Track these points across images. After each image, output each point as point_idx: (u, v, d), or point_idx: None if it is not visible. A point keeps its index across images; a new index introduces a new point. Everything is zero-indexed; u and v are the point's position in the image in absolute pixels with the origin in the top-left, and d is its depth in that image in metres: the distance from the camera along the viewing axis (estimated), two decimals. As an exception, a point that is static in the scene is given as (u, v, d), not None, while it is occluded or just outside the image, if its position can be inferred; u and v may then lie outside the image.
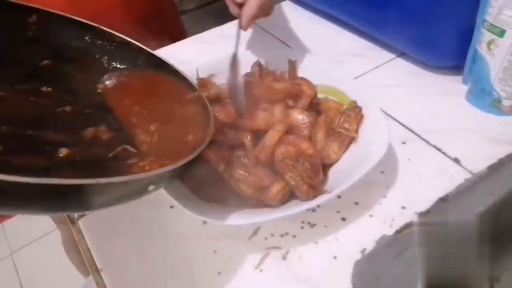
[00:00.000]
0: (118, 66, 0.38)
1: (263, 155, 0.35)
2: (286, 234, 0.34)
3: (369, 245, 0.32)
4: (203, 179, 0.34)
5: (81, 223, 0.37)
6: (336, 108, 0.39)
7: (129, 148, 0.29)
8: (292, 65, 0.44)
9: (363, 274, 0.31)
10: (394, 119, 0.43)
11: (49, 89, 0.32)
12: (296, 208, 0.30)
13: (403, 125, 0.42)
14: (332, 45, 0.55)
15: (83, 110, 0.32)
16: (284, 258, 0.32)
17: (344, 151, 0.36)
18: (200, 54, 0.56)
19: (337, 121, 0.38)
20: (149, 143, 0.31)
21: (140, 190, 0.26)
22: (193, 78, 0.39)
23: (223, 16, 0.63)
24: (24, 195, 0.20)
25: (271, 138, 0.36)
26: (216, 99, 0.40)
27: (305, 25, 0.60)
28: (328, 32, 0.59)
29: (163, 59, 0.38)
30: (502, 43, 0.38)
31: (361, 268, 0.31)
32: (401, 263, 0.32)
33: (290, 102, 0.39)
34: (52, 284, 1.13)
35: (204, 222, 0.35)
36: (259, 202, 0.33)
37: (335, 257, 0.32)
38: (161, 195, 0.31)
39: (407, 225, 0.33)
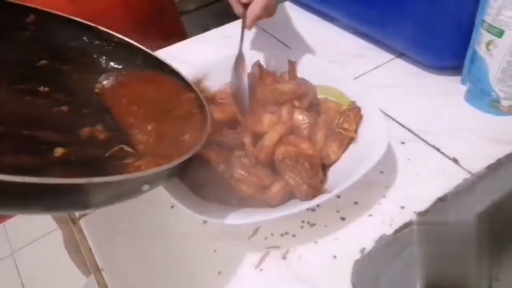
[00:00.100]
0: (116, 66, 0.38)
1: (263, 155, 0.35)
2: (286, 233, 0.34)
3: (369, 245, 0.32)
4: (203, 179, 0.34)
5: (82, 222, 0.37)
6: (335, 109, 0.39)
7: (126, 147, 0.29)
8: (292, 66, 0.44)
9: (362, 274, 0.31)
10: (393, 119, 0.43)
11: (46, 89, 0.32)
12: (296, 207, 0.31)
13: (402, 125, 0.42)
14: (332, 46, 0.55)
15: (80, 110, 0.32)
16: (284, 257, 0.32)
17: (343, 151, 0.36)
18: (201, 55, 0.56)
19: (336, 121, 0.38)
20: (146, 143, 0.31)
21: (134, 190, 0.26)
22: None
23: (223, 17, 0.64)
24: (15, 195, 0.20)
25: (270, 138, 0.36)
26: (211, 100, 0.41)
27: (305, 25, 0.60)
28: (327, 32, 0.59)
29: (161, 59, 0.38)
30: (501, 44, 0.38)
31: (360, 267, 0.31)
32: (400, 262, 0.32)
33: (296, 103, 0.40)
34: (53, 283, 1.14)
35: (204, 222, 0.35)
36: (259, 202, 0.33)
37: (334, 257, 0.32)
38: (162, 195, 0.31)
39: (406, 225, 0.33)
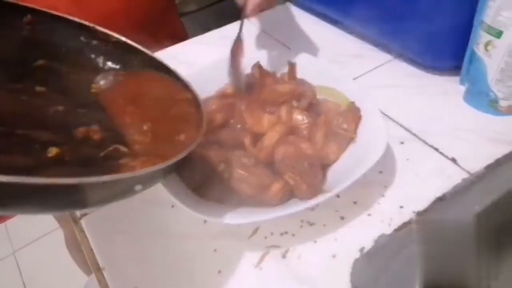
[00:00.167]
0: (113, 66, 0.38)
1: (263, 155, 0.36)
2: (286, 233, 0.34)
3: (368, 244, 0.32)
4: (204, 179, 0.34)
5: (83, 222, 0.37)
6: (335, 109, 0.40)
7: (121, 147, 0.29)
8: (292, 66, 0.44)
9: (361, 273, 0.31)
10: (392, 119, 0.43)
11: (43, 88, 0.32)
12: (296, 207, 0.31)
13: (402, 126, 0.43)
14: (331, 46, 0.55)
15: (76, 109, 0.32)
16: (284, 257, 0.33)
17: (343, 151, 0.37)
18: (201, 56, 0.56)
19: (336, 121, 0.38)
20: (141, 143, 0.31)
21: (126, 190, 0.26)
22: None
23: (224, 18, 0.64)
24: (4, 195, 0.19)
25: (270, 138, 0.36)
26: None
27: (305, 26, 0.61)
28: (327, 33, 0.59)
29: (158, 59, 0.38)
30: (499, 44, 0.39)
31: (359, 267, 0.31)
32: (400, 261, 0.32)
33: (295, 103, 0.40)
34: (55, 283, 1.14)
35: (205, 221, 0.36)
36: (259, 201, 0.33)
37: (334, 256, 0.32)
38: (162, 195, 0.32)
39: (405, 224, 0.34)
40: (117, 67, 0.38)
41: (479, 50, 0.41)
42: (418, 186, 0.36)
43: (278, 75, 0.45)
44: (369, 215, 0.35)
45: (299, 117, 0.39)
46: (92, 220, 0.37)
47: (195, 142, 0.30)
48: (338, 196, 0.36)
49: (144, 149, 0.30)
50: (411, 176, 0.37)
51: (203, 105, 0.35)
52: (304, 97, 0.41)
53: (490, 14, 0.38)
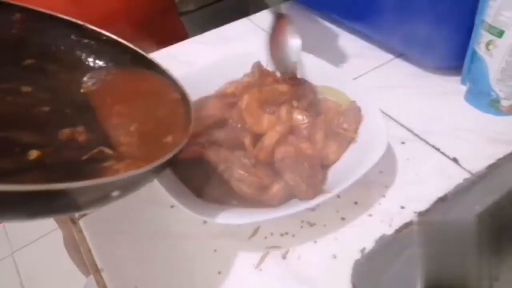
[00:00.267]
0: (104, 65, 0.37)
1: (263, 155, 0.35)
2: (286, 233, 0.34)
3: (369, 245, 0.32)
4: (203, 179, 0.34)
5: (81, 222, 0.37)
6: (335, 109, 0.40)
7: (106, 150, 0.28)
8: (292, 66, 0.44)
9: (362, 274, 0.31)
10: (393, 119, 0.43)
11: (29, 88, 0.31)
12: (296, 207, 0.31)
13: (402, 126, 0.42)
14: (332, 46, 0.55)
15: (63, 110, 0.31)
16: (284, 257, 0.32)
17: (343, 151, 0.36)
18: (201, 55, 0.56)
19: (336, 121, 0.38)
20: (128, 145, 0.30)
21: (101, 197, 0.24)
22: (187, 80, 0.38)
23: (223, 17, 0.64)
24: None
25: (270, 138, 0.36)
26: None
27: (305, 25, 0.60)
28: (327, 32, 0.59)
29: (150, 58, 0.37)
30: (500, 44, 0.38)
31: (360, 267, 0.31)
32: (401, 262, 0.32)
33: (295, 103, 0.40)
34: (53, 284, 1.14)
35: (204, 222, 0.35)
36: (259, 201, 0.33)
37: (334, 257, 0.32)
38: (162, 195, 0.31)
39: (407, 225, 0.33)
40: (108, 66, 0.37)
41: (480, 50, 0.41)
42: (419, 186, 0.36)
43: (278, 74, 0.45)
44: (369, 215, 0.34)
45: (299, 117, 0.39)
46: (90, 221, 0.37)
47: (180, 145, 0.29)
48: (338, 196, 0.35)
49: (130, 151, 0.29)
50: (412, 176, 0.37)
51: (192, 106, 0.34)
52: (304, 97, 0.41)
53: (491, 14, 0.38)
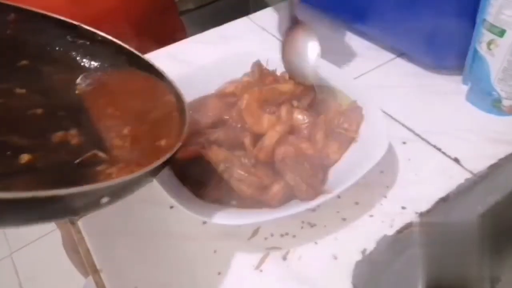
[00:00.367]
0: (99, 65, 0.37)
1: (263, 155, 0.35)
2: (286, 234, 0.34)
3: (370, 245, 0.32)
4: (203, 179, 0.34)
5: (80, 223, 0.37)
6: (336, 109, 0.39)
7: (99, 153, 0.28)
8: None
9: (363, 274, 0.31)
10: (394, 119, 0.43)
11: (23, 90, 0.30)
12: (296, 208, 0.30)
13: (403, 125, 0.42)
14: (332, 45, 0.55)
15: (56, 112, 0.31)
16: (284, 258, 0.32)
17: (344, 151, 0.36)
18: (200, 55, 0.55)
19: (337, 121, 0.37)
20: (120, 148, 0.29)
21: (92, 203, 0.23)
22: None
23: (222, 17, 0.64)
24: None
25: (270, 138, 0.36)
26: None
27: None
28: (328, 32, 0.59)
29: (146, 59, 0.37)
30: (502, 43, 0.38)
31: (361, 268, 0.31)
32: (402, 263, 0.32)
33: (295, 103, 0.39)
34: (52, 284, 1.13)
35: (204, 222, 0.35)
36: (259, 202, 0.33)
37: (335, 257, 0.32)
38: (161, 195, 0.31)
39: (408, 225, 0.33)
40: (103, 66, 0.37)
41: (482, 49, 0.40)
42: (420, 187, 0.36)
43: (279, 73, 0.45)
44: (370, 216, 0.34)
45: (300, 117, 0.38)
46: (89, 221, 0.37)
47: (174, 149, 0.28)
48: (339, 196, 0.35)
49: (123, 154, 0.28)
50: (413, 177, 0.37)
51: (188, 108, 0.33)
52: (305, 96, 0.40)
53: (492, 13, 0.38)
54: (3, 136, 0.26)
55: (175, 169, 0.35)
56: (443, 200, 0.35)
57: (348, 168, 0.34)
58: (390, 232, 0.33)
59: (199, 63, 0.44)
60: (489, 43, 0.39)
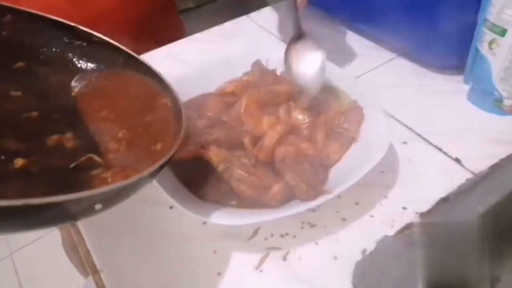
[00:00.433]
0: (96, 67, 0.36)
1: (263, 155, 0.35)
2: (286, 234, 0.34)
3: (370, 246, 0.32)
4: (203, 179, 0.34)
5: (80, 224, 0.37)
6: (336, 108, 0.39)
7: (95, 157, 0.27)
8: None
9: (363, 275, 0.31)
10: (395, 119, 0.43)
11: (18, 93, 0.30)
12: (296, 208, 0.30)
13: (404, 125, 0.42)
14: (333, 45, 0.55)
15: (51, 115, 0.30)
16: (284, 258, 0.32)
17: (344, 151, 0.36)
18: (200, 54, 0.55)
19: (337, 121, 0.37)
20: (116, 152, 0.29)
21: (84, 210, 0.23)
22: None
23: (222, 15, 0.63)
24: None
25: (270, 138, 0.35)
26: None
27: (306, 24, 0.60)
28: (328, 31, 0.58)
29: (142, 60, 0.36)
30: (503, 43, 0.38)
31: (362, 268, 0.31)
32: (402, 263, 0.32)
33: (292, 104, 0.39)
34: (52, 285, 1.13)
35: (204, 223, 0.35)
36: (259, 202, 0.33)
37: (335, 258, 0.32)
38: (161, 196, 0.31)
39: (408, 226, 0.33)
40: (100, 68, 0.36)
41: (483, 49, 0.40)
42: (421, 187, 0.36)
43: (279, 73, 0.45)
44: (371, 216, 0.34)
45: (300, 117, 0.38)
46: (89, 222, 0.37)
47: (170, 153, 0.28)
48: (339, 197, 0.35)
49: (118, 158, 0.28)
50: (414, 177, 0.37)
51: (184, 111, 0.33)
52: (303, 96, 0.40)
53: (493, 12, 0.38)
54: None
55: (175, 169, 0.35)
56: (444, 200, 0.35)
57: (349, 168, 0.34)
58: (391, 232, 0.33)
59: (198, 62, 0.44)
60: (490, 43, 0.39)
